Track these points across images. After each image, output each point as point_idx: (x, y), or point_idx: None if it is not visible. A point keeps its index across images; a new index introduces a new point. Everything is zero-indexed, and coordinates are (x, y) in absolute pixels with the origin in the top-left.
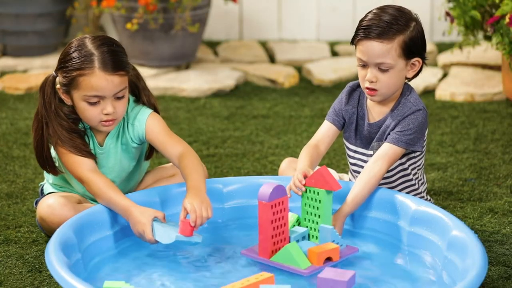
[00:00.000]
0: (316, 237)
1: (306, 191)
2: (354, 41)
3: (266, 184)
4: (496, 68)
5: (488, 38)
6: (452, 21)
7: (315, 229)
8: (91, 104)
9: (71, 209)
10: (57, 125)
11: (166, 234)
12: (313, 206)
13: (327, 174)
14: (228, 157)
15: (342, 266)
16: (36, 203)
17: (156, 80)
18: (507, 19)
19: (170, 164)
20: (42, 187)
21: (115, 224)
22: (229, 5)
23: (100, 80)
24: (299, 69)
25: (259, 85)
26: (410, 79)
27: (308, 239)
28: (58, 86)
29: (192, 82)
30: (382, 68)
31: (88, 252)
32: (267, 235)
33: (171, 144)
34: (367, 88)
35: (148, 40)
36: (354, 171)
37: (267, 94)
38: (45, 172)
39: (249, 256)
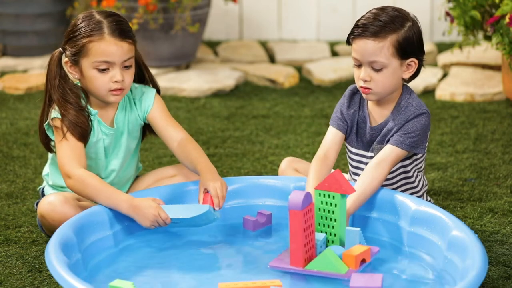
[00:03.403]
0: (333, 241)
1: (319, 195)
2: (349, 40)
3: (294, 192)
4: (496, 68)
5: (488, 38)
6: (452, 21)
7: (331, 233)
8: (101, 71)
9: (72, 206)
10: (62, 100)
11: (184, 210)
12: (328, 210)
13: (341, 178)
14: (228, 157)
15: (363, 268)
16: (37, 204)
17: (156, 80)
18: (507, 19)
19: (171, 165)
20: (43, 189)
21: (115, 224)
22: (229, 5)
23: (110, 45)
24: (299, 69)
25: (259, 85)
26: (408, 81)
27: (327, 244)
28: (65, 59)
29: (192, 82)
30: (375, 68)
31: (88, 252)
32: (300, 244)
33: (174, 127)
34: (362, 87)
35: (148, 40)
36: (355, 173)
37: (267, 94)
38: (44, 174)
39: (280, 268)
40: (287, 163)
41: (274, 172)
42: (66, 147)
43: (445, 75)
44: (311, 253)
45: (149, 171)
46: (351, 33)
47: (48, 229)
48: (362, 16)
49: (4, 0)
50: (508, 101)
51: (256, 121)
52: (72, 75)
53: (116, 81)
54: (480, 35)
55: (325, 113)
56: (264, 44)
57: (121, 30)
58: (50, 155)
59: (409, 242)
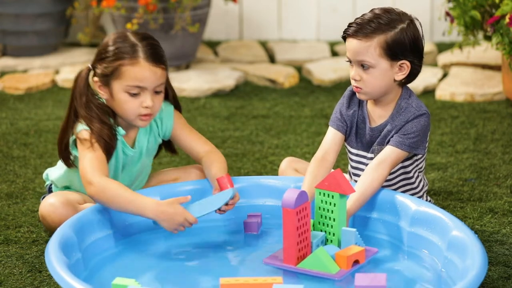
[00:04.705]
0: (332, 240)
1: (319, 194)
2: (344, 39)
3: (289, 191)
4: (496, 68)
5: (488, 38)
6: (452, 21)
7: (330, 233)
8: (132, 95)
9: (73, 208)
10: (89, 116)
11: (210, 204)
12: (328, 210)
13: (341, 178)
14: (228, 157)
15: (355, 270)
16: (43, 199)
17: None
18: (507, 19)
19: (173, 168)
20: (50, 186)
21: (115, 223)
22: (229, 5)
23: (144, 71)
24: (299, 69)
25: (259, 85)
26: (404, 83)
27: (325, 243)
28: (95, 79)
29: (192, 82)
30: (363, 67)
31: (89, 251)
32: (293, 242)
33: (201, 142)
34: (354, 86)
35: None
36: (355, 174)
37: (267, 94)
38: (48, 175)
39: (273, 265)
40: (287, 163)
41: (274, 172)
42: (92, 156)
43: (445, 75)
44: (305, 251)
45: (151, 174)
46: (344, 32)
47: (48, 229)
48: (357, 17)
49: (4, 0)
50: (508, 101)
51: (256, 121)
52: (101, 95)
53: (146, 107)
54: (480, 35)
55: (325, 113)
56: (264, 44)
57: (156, 55)
58: (63, 167)
59: (409, 242)
